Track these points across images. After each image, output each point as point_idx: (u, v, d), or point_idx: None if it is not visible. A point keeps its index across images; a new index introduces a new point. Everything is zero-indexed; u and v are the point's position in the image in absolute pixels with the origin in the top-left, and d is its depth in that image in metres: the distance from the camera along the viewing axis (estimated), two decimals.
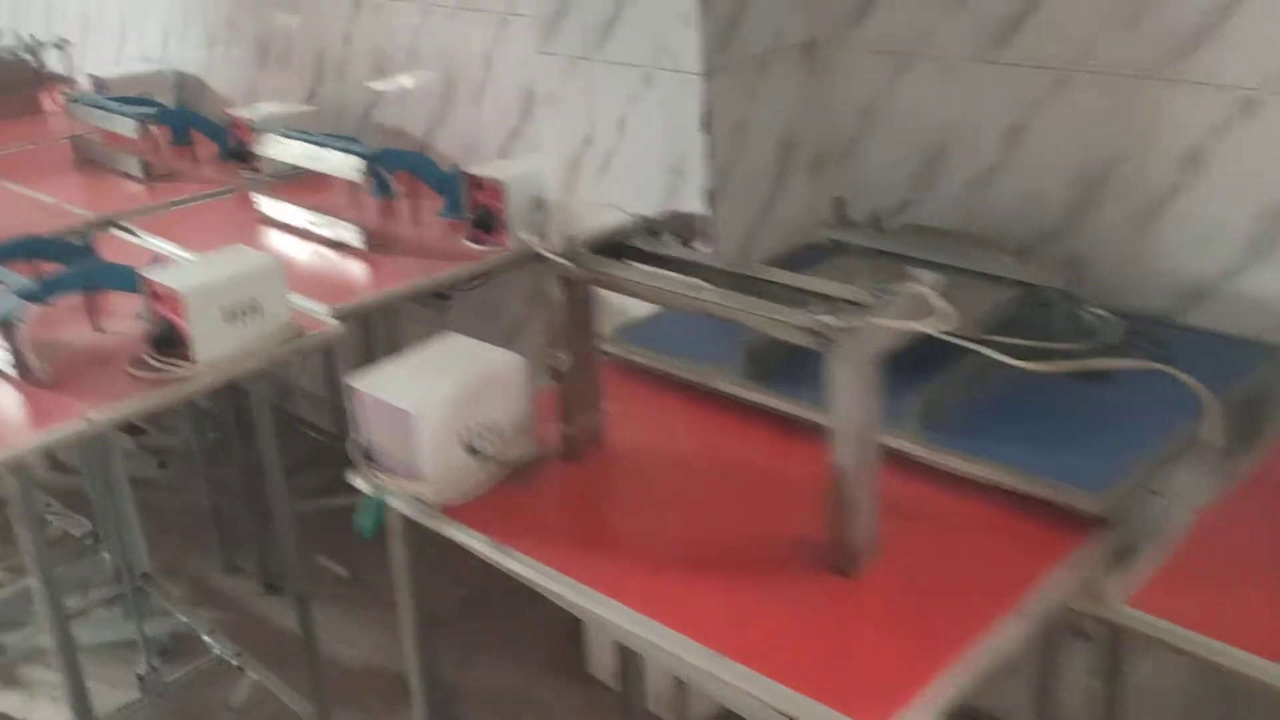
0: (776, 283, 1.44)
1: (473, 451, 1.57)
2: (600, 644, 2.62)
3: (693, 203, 2.07)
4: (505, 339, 3.08)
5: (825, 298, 1.35)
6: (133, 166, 3.06)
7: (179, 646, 2.85)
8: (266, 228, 2.67)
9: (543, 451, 1.64)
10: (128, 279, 2.02)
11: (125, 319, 2.13)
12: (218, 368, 1.94)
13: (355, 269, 2.43)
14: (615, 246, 1.60)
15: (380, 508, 1.58)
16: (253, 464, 3.16)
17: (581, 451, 1.64)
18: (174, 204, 2.85)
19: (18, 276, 2.02)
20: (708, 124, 2.01)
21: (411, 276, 2.35)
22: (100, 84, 3.60)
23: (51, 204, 2.86)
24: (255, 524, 3.15)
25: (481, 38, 2.77)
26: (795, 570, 1.38)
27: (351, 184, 2.69)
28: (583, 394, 1.62)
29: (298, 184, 2.86)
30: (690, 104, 2.01)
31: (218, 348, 1.94)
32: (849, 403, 1.28)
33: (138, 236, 2.63)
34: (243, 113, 3.07)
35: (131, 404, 1.86)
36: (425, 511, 1.54)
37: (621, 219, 2.17)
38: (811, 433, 1.60)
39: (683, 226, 1.64)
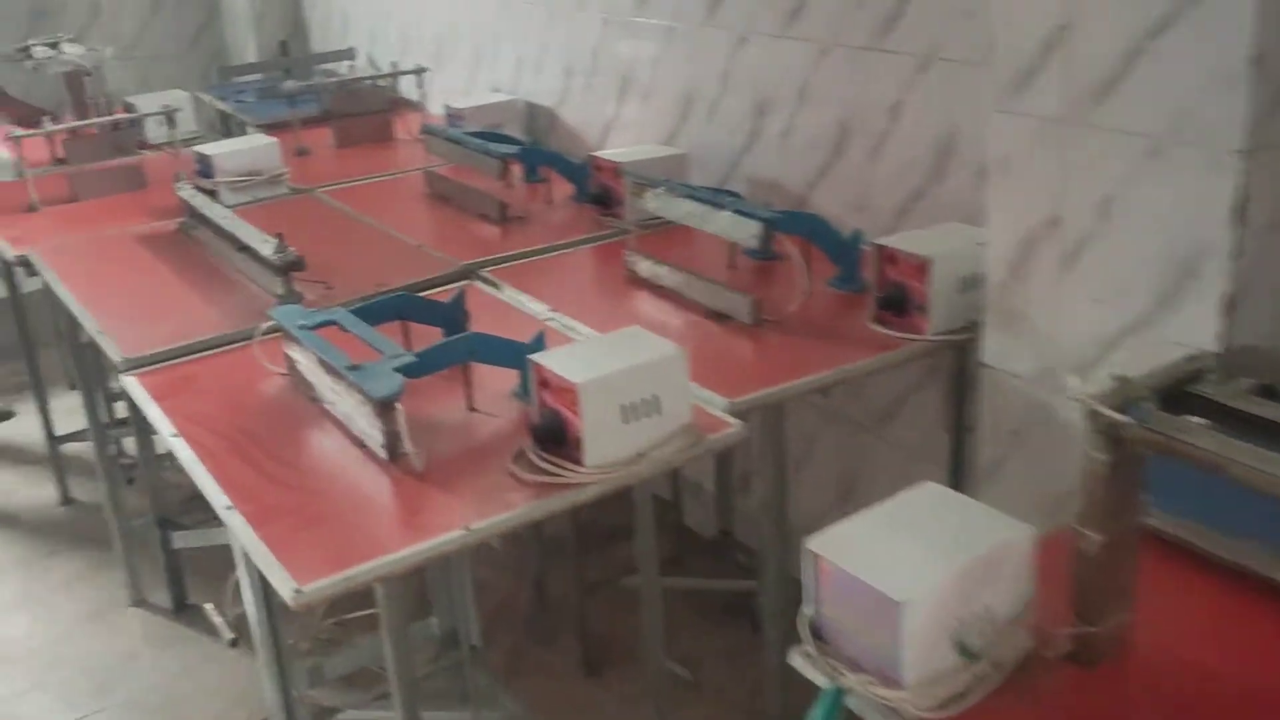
0: None
1: (964, 650, 1.20)
2: None
3: (1204, 311, 1.62)
4: (874, 425, 2.71)
5: None
6: (489, 207, 2.87)
7: None
8: (636, 289, 2.39)
9: (1042, 650, 1.25)
10: (514, 358, 1.77)
11: (497, 396, 1.89)
12: (610, 474, 1.65)
13: (744, 349, 2.11)
14: (1179, 394, 1.19)
15: (838, 704, 1.23)
16: (582, 526, 2.93)
17: (1100, 656, 1.24)
18: (534, 253, 2.62)
19: (396, 347, 1.80)
20: (1240, 214, 1.56)
21: (812, 364, 1.99)
22: (455, 115, 3.47)
23: (413, 246, 2.69)
24: (579, 598, 2.90)
25: (892, 82, 2.40)
26: None
27: (730, 242, 2.39)
28: (1113, 584, 1.22)
29: (663, 235, 2.59)
30: (1219, 187, 1.56)
31: (611, 450, 1.65)
32: None
33: (499, 289, 2.42)
34: (608, 154, 2.83)
35: (515, 515, 1.59)
36: None
37: (1105, 323, 1.76)
38: None
39: (1271, 367, 1.21)
